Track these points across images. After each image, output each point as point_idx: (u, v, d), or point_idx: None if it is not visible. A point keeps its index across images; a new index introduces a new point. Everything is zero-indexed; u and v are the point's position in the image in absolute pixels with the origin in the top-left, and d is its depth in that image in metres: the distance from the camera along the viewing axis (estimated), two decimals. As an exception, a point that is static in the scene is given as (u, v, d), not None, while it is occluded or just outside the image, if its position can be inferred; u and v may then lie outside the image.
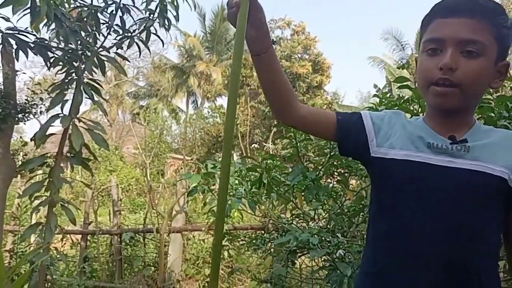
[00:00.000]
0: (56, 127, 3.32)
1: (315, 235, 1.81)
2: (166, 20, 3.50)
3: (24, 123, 3.60)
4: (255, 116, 20.75)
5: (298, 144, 2.04)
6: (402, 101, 2.38)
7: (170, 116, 24.33)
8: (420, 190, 1.09)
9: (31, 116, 3.48)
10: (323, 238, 1.80)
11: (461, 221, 1.05)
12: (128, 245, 5.69)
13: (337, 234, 1.96)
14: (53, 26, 3.13)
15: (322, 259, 2.83)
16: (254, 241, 3.64)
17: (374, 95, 2.94)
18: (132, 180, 16.36)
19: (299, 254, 3.01)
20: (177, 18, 3.53)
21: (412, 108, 2.23)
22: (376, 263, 1.16)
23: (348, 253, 1.83)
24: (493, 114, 2.22)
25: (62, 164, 3.29)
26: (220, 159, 4.13)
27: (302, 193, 2.20)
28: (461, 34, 1.06)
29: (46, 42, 3.14)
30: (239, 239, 5.27)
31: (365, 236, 1.73)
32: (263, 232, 4.62)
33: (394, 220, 1.12)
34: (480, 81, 1.08)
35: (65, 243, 5.83)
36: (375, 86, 19.00)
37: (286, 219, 3.48)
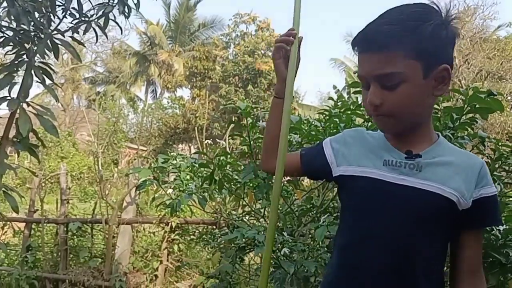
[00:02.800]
0: (3, 110, 3.17)
1: (262, 232, 1.84)
2: (126, 7, 3.41)
3: (-33, 104, 3.40)
4: (215, 110, 20.65)
5: (251, 142, 2.05)
6: (356, 105, 2.45)
7: (128, 105, 23.77)
8: (373, 207, 1.13)
9: (-25, 96, 3.29)
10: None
11: (407, 239, 1.09)
12: (75, 235, 5.52)
13: (284, 232, 2.00)
14: (4, 4, 2.98)
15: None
16: (204, 236, 3.63)
17: (330, 98, 3.00)
18: (84, 168, 15.86)
19: (247, 251, 3.04)
20: (137, 5, 3.45)
21: (364, 113, 2.30)
22: (328, 275, 1.22)
23: (293, 251, 1.87)
24: (438, 124, 2.33)
25: (7, 149, 3.15)
26: (175, 151, 4.09)
27: (253, 191, 2.23)
28: (374, 71, 1.06)
29: (-4, 20, 2.99)
30: (190, 234, 5.25)
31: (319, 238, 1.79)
32: (214, 227, 4.63)
33: (349, 235, 1.18)
34: (411, 104, 1.07)
35: (6, 232, 5.59)
36: (334, 87, 19.35)
37: (237, 215, 3.50)
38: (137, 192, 5.34)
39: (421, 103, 1.09)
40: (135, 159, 13.32)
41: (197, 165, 2.63)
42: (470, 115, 2.29)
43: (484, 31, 15.42)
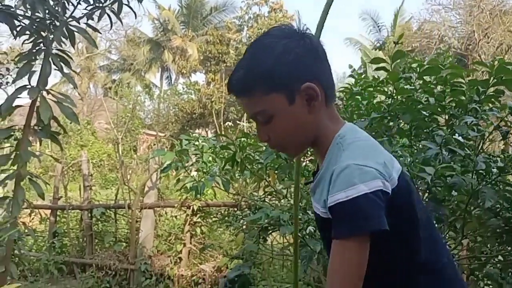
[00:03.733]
0: (24, 99, 3.21)
1: (286, 212, 1.83)
2: (139, -9, 3.38)
3: (-11, 94, 3.45)
4: (230, 95, 20.56)
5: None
6: (377, 82, 2.39)
7: (144, 92, 23.87)
8: None
9: (-4, 87, 3.34)
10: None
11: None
12: (99, 220, 5.63)
13: (309, 211, 1.99)
14: (19, -7, 2.98)
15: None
16: (226, 218, 3.65)
17: (350, 76, 2.95)
18: (104, 156, 16.09)
19: (270, 231, 3.05)
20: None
21: (387, 90, 2.25)
22: None
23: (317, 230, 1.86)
24: (464, 98, 2.27)
25: (30, 137, 3.20)
26: (194, 134, 4.10)
27: (275, 171, 2.21)
28: (248, 112, 1.11)
29: (12, 9, 3.00)
30: (212, 216, 5.29)
31: None
32: (235, 209, 4.65)
33: None
34: (291, 132, 1.08)
35: (33, 219, 5.72)
36: (350, 66, 19.02)
37: (258, 196, 3.50)
38: (158, 177, 5.39)
39: (301, 126, 1.08)
40: (154, 145, 13.42)
41: (218, 147, 2.63)
42: (496, 87, 2.23)
43: (503, 4, 14.91)
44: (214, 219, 5.16)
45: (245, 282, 2.96)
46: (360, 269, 0.94)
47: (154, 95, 23.28)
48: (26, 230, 3.38)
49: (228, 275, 3.10)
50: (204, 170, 2.44)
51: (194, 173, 2.57)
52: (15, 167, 3.20)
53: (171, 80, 29.18)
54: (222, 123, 6.47)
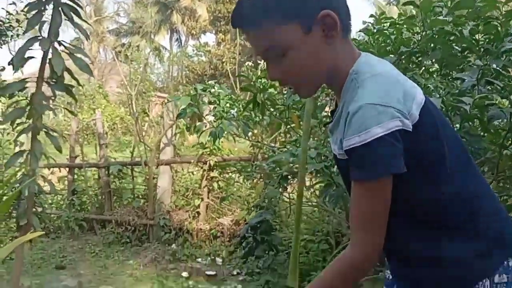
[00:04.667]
0: (36, 50, 3.14)
1: (313, 149, 1.76)
2: None
3: (0, 47, 3.38)
4: (241, 54, 20.26)
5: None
6: (405, 17, 2.25)
7: (153, 54, 23.65)
8: None
9: (7, 39, 3.26)
10: (320, 152, 1.75)
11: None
12: (116, 177, 5.66)
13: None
14: None
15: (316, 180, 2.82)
16: (244, 169, 3.61)
17: (370, 16, 2.80)
18: (116, 119, 16.12)
19: (290, 179, 3.01)
20: None
21: (417, 24, 2.12)
22: None
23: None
24: (496, 31, 2.13)
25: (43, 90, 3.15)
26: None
27: (298, 113, 2.13)
28: (257, 49, 1.00)
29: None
30: (229, 172, 5.28)
31: None
32: (253, 162, 4.61)
33: None
34: (308, 66, 0.99)
35: (51, 179, 5.77)
36: (364, 22, 18.52)
37: (276, 147, 3.44)
38: (173, 133, 5.36)
39: (318, 60, 0.99)
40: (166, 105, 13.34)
41: (234, 96, 2.55)
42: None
43: None
44: (230, 173, 5.15)
45: (267, 228, 2.95)
46: (377, 211, 0.93)
47: (164, 58, 23.05)
48: (46, 184, 3.39)
49: (250, 222, 3.10)
50: (223, 115, 2.36)
51: (211, 118, 2.50)
52: (30, 121, 3.18)
53: (181, 42, 28.78)
54: (238, 80, 6.33)
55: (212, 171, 5.10)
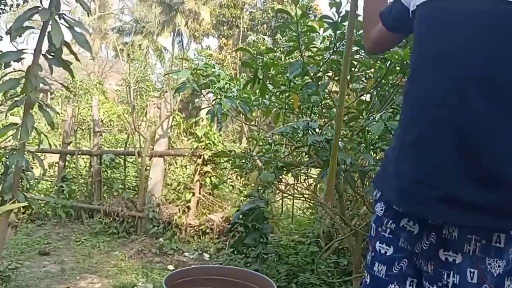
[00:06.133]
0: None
1: (316, 121, 1.70)
2: None
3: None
4: (242, 59, 20.27)
5: (300, 34, 1.87)
6: None
7: (155, 54, 23.61)
8: (445, 22, 1.02)
9: (6, 8, 3.19)
10: (322, 124, 1.70)
11: (485, 65, 0.94)
12: (108, 167, 5.56)
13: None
14: None
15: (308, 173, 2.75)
16: (241, 160, 3.53)
17: None
18: (114, 116, 16.02)
19: (285, 170, 2.94)
20: None
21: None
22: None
23: (349, 142, 1.73)
24: None
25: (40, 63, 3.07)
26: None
27: (299, 93, 2.07)
28: None
29: None
30: (222, 167, 5.21)
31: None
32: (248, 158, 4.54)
33: (419, 59, 1.09)
34: None
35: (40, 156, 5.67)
36: None
37: (271, 136, 3.36)
38: (169, 125, 5.29)
39: None
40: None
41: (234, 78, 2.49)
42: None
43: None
44: (224, 169, 5.07)
45: (259, 215, 2.87)
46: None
47: (165, 60, 22.99)
48: (35, 161, 3.30)
49: (241, 208, 3.03)
50: (222, 94, 2.30)
51: (210, 95, 2.44)
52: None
53: (182, 45, 28.82)
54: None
55: (206, 165, 5.02)
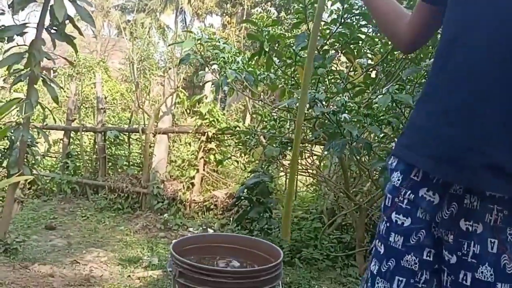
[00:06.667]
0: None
1: (323, 93, 1.69)
2: None
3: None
4: (246, 38, 20.06)
5: (307, 8, 1.84)
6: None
7: (158, 33, 23.37)
8: None
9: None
10: (329, 97, 1.69)
11: None
12: (113, 144, 5.58)
13: (345, 96, 1.84)
14: None
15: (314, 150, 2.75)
16: (245, 136, 3.52)
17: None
18: (117, 95, 15.98)
19: (290, 147, 2.94)
20: None
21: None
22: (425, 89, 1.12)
23: (355, 114, 1.72)
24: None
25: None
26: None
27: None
28: None
29: None
30: (226, 145, 5.21)
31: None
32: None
33: (453, 29, 1.04)
34: None
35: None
36: None
37: (276, 112, 3.35)
38: (173, 102, 5.27)
39: None
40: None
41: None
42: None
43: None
44: (228, 146, 5.08)
45: (263, 189, 2.89)
46: None
47: (168, 38, 22.75)
48: (40, 135, 3.32)
49: (246, 182, 3.04)
50: (227, 67, 2.28)
51: (214, 67, 2.43)
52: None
53: (185, 23, 28.52)
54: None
55: (210, 143, 5.03)
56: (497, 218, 0.95)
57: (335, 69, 2.16)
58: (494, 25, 0.93)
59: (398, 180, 1.10)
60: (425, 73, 1.82)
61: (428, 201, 1.04)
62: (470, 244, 0.98)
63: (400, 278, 1.06)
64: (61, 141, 5.72)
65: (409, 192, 1.07)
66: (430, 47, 1.96)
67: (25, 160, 3.22)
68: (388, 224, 1.10)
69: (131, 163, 5.65)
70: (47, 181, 5.68)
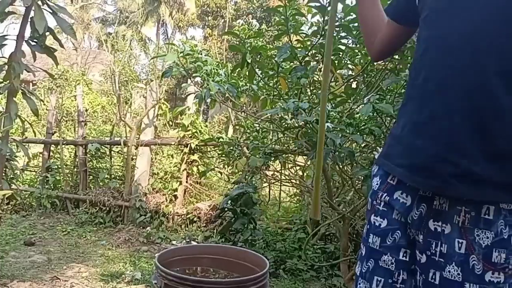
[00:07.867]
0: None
1: (306, 102, 1.71)
2: None
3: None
4: (228, 50, 20.17)
5: (288, 17, 1.87)
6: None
7: (139, 45, 23.32)
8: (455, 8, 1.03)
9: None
10: (313, 106, 1.71)
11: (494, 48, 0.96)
12: (94, 157, 5.51)
13: (328, 105, 1.87)
14: None
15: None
16: (229, 147, 3.52)
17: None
18: (98, 107, 15.83)
19: (273, 158, 2.95)
20: None
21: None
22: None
23: (338, 123, 1.75)
24: None
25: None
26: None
27: (287, 76, 2.08)
28: None
29: None
30: (209, 156, 5.21)
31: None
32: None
33: (428, 42, 1.09)
34: None
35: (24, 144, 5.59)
36: None
37: (258, 123, 3.37)
38: (155, 114, 5.25)
39: None
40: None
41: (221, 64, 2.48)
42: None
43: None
44: (211, 158, 5.07)
45: (247, 200, 2.89)
46: None
47: (150, 50, 22.73)
48: (19, 149, 3.26)
49: (230, 193, 3.03)
50: (210, 78, 2.29)
51: (197, 79, 2.43)
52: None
53: (167, 35, 28.52)
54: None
55: (193, 154, 5.01)
56: (465, 219, 0.99)
57: (316, 79, 2.20)
58: (459, 42, 0.99)
59: (377, 184, 1.16)
60: (405, 83, 1.87)
61: (402, 203, 1.09)
62: (438, 243, 1.02)
63: (379, 278, 1.11)
64: (41, 155, 5.63)
65: (385, 194, 1.13)
66: (409, 57, 2.02)
67: (4, 174, 3.16)
68: (368, 226, 1.16)
69: (112, 176, 5.58)
70: (26, 195, 5.57)
